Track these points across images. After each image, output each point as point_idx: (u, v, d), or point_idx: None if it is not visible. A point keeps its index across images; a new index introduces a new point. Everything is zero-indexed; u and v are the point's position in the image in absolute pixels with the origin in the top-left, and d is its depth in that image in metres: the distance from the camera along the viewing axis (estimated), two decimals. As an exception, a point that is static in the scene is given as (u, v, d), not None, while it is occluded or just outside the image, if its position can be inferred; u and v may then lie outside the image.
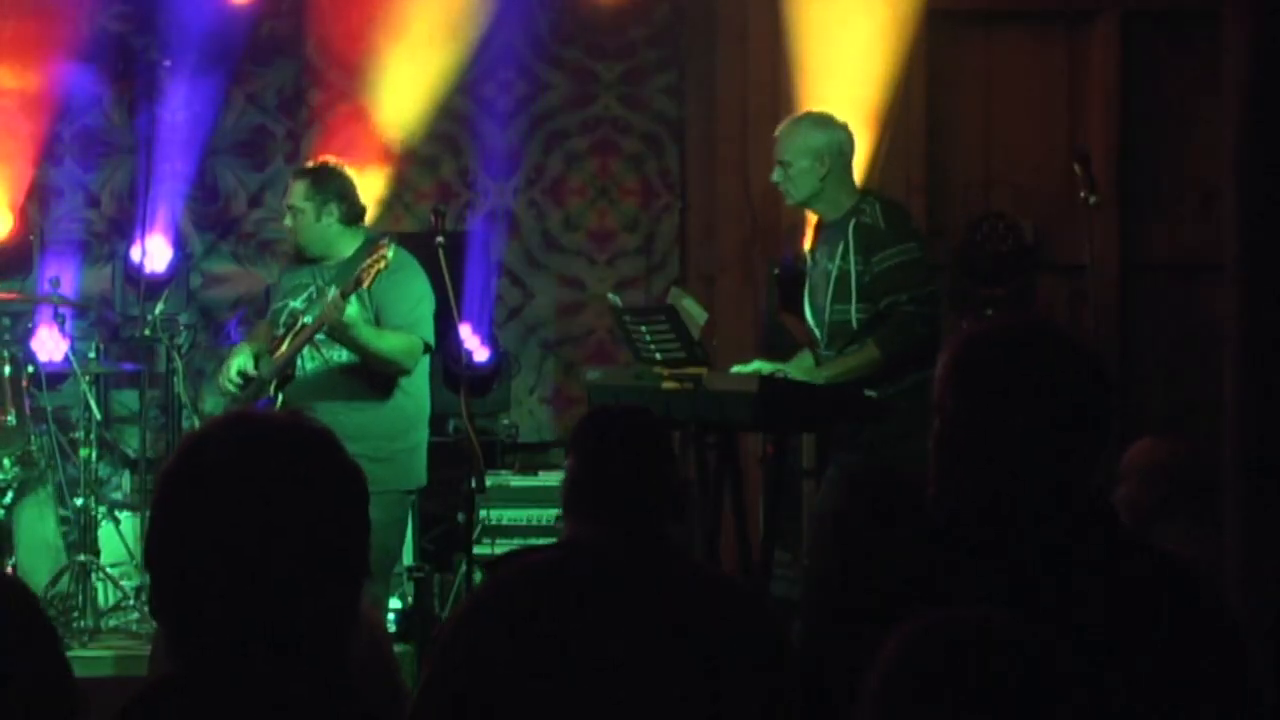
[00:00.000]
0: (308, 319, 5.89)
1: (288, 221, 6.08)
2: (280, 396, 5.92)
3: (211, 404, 7.99)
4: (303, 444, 1.87)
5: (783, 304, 7.32)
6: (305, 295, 6.02)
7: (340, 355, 5.86)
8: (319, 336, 5.82)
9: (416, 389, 6.00)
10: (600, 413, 3.41)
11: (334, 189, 6.03)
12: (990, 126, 7.59)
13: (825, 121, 5.64)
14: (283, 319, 6.06)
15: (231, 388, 6.02)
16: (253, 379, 6.01)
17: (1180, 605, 2.27)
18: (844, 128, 5.63)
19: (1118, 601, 2.24)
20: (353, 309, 5.65)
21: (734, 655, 2.99)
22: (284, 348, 5.93)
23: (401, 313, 5.85)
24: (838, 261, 5.44)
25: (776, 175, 5.59)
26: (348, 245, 6.03)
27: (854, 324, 5.40)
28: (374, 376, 5.89)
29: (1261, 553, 6.52)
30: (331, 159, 6.21)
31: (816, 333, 5.57)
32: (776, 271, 7.46)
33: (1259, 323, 7.13)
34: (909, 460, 5.07)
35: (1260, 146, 7.15)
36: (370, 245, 5.92)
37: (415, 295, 5.91)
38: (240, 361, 6.02)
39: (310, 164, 6.18)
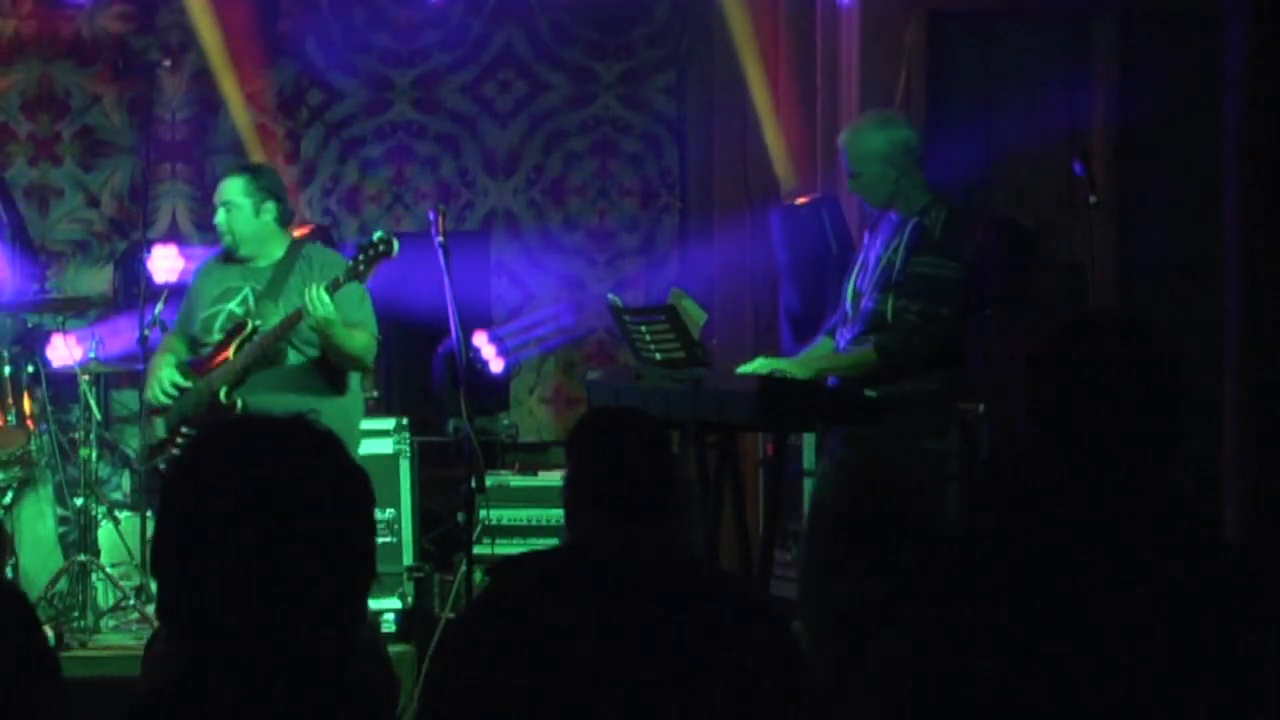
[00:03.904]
0: (262, 321, 5.91)
1: (220, 217, 6.06)
2: (239, 400, 5.92)
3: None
4: (306, 445, 1.87)
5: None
6: (240, 299, 6.03)
7: (292, 356, 5.91)
8: (258, 338, 5.88)
9: (358, 387, 6.14)
10: (598, 414, 3.42)
11: (270, 187, 6.11)
12: (990, 127, 7.59)
13: (887, 121, 5.61)
14: (218, 324, 6.04)
15: (165, 399, 6.03)
16: (186, 390, 6.01)
17: (1236, 597, 2.27)
18: (906, 124, 5.60)
19: (1171, 590, 2.23)
20: (333, 306, 5.72)
21: (738, 654, 2.99)
22: (234, 354, 5.91)
23: (349, 310, 5.90)
24: (889, 252, 5.43)
25: (851, 185, 5.56)
26: (278, 246, 6.09)
27: (889, 317, 5.39)
28: (327, 375, 5.97)
29: (1261, 551, 6.52)
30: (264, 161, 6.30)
31: (850, 311, 5.56)
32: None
33: (1259, 322, 7.14)
34: (898, 463, 5.09)
35: (1260, 146, 7.15)
36: (297, 245, 6.08)
37: (360, 292, 5.98)
38: (170, 373, 6.04)
39: (245, 162, 6.20)
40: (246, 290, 6.04)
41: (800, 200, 7.46)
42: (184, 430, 6.04)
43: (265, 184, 6.09)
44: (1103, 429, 2.31)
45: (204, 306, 6.13)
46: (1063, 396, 2.34)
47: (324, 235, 8.31)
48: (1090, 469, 2.30)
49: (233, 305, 6.04)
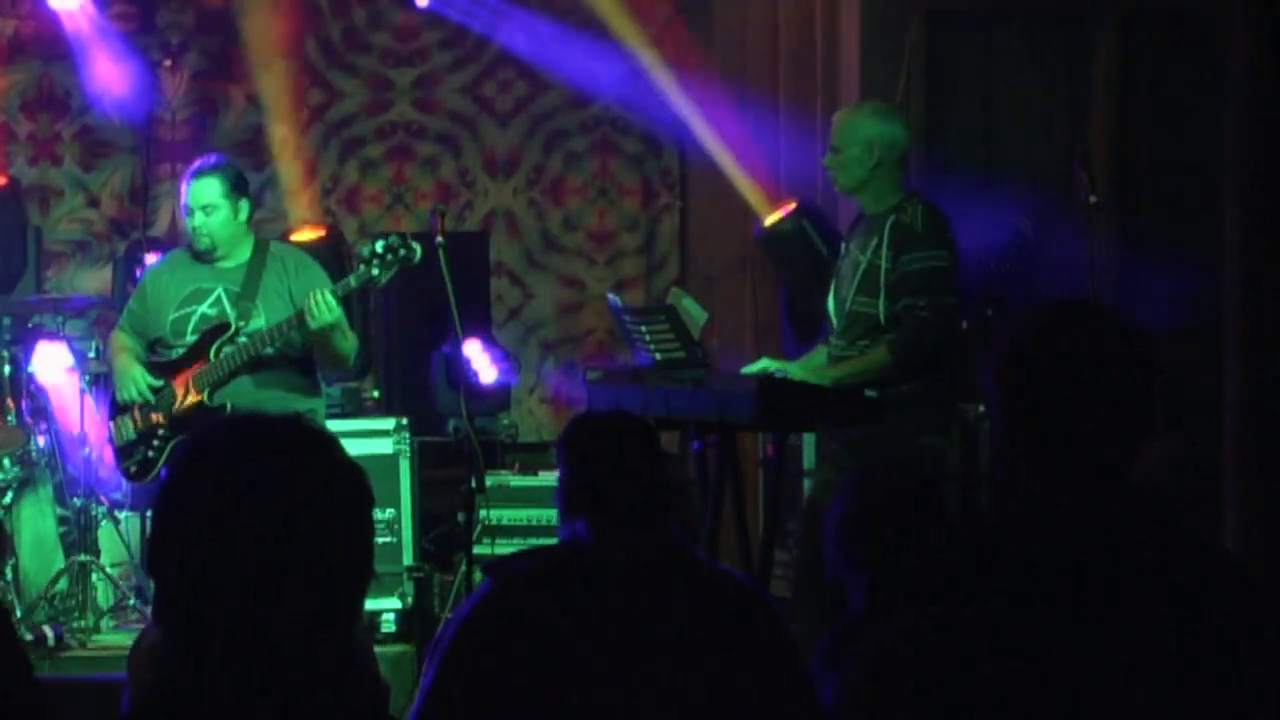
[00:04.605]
0: (245, 323, 5.84)
1: (198, 220, 5.86)
2: (227, 403, 5.84)
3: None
4: (303, 445, 1.87)
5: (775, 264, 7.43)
6: (212, 300, 5.92)
7: (271, 351, 5.86)
8: (243, 339, 5.82)
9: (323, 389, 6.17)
10: (590, 418, 3.43)
11: (243, 185, 5.98)
12: (990, 126, 7.58)
13: (885, 114, 5.64)
14: (191, 326, 5.91)
15: (142, 397, 5.92)
16: (159, 390, 5.92)
17: (1231, 597, 2.25)
18: (902, 123, 5.62)
19: (1168, 591, 2.22)
20: (340, 311, 5.67)
21: (737, 653, 2.99)
22: (215, 355, 5.83)
23: None
24: (868, 255, 5.43)
25: (827, 159, 5.59)
26: (246, 246, 5.97)
27: (881, 318, 5.39)
28: (304, 376, 5.95)
29: (1261, 552, 6.52)
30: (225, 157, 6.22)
31: (835, 321, 5.57)
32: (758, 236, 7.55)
33: (1259, 321, 7.13)
34: (897, 461, 5.10)
35: (1260, 146, 7.15)
36: (263, 243, 6.01)
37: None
38: (142, 373, 5.92)
39: (213, 161, 6.04)
40: (219, 291, 5.91)
41: (774, 218, 7.32)
42: (160, 433, 5.96)
43: (238, 182, 5.95)
44: (1078, 423, 2.28)
45: (171, 308, 5.95)
46: (1035, 389, 2.31)
47: (338, 237, 8.33)
48: (1075, 466, 2.28)
49: (205, 307, 5.91)
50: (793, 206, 7.27)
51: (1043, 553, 2.22)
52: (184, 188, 5.96)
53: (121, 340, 6.11)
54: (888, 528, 3.60)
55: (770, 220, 7.31)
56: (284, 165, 8.67)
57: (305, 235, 8.17)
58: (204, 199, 5.88)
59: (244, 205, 5.94)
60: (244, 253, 5.96)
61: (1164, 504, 2.31)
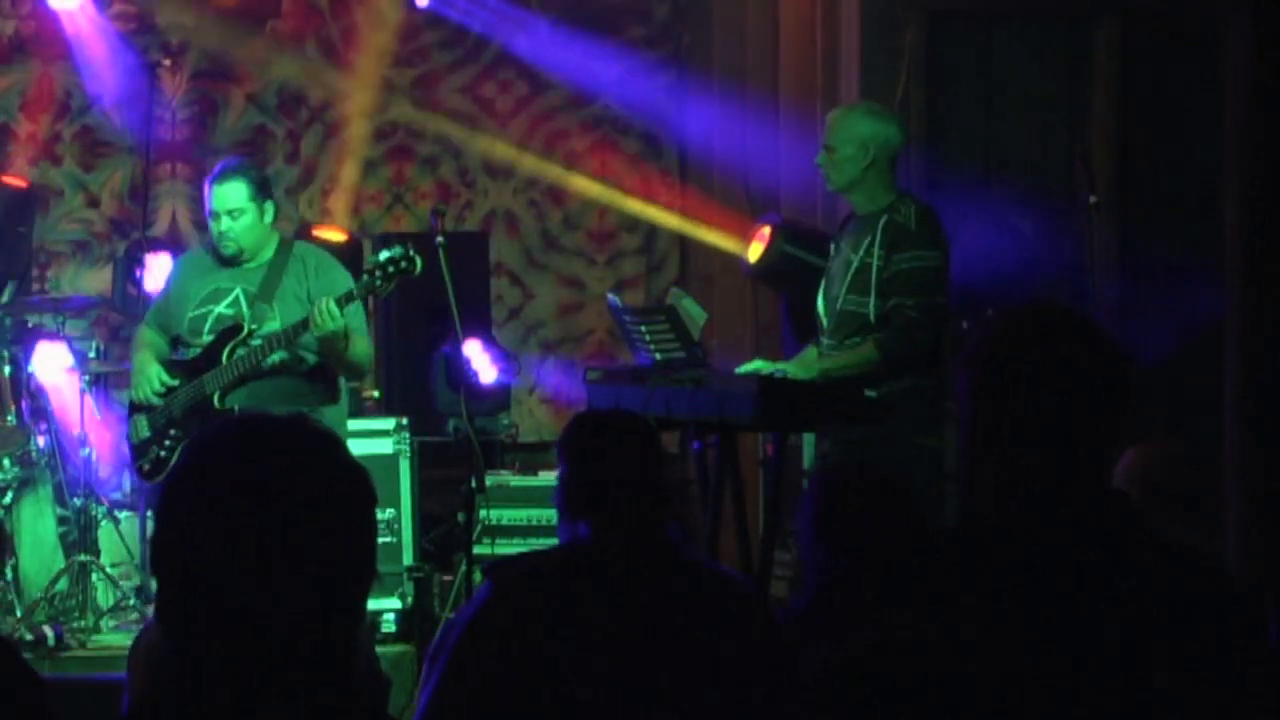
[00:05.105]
0: (258, 325, 5.81)
1: (225, 225, 5.82)
2: (235, 407, 5.81)
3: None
4: (304, 445, 1.87)
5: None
6: (230, 300, 5.91)
7: (280, 356, 5.83)
8: (256, 341, 5.79)
9: (345, 392, 6.13)
10: (590, 417, 3.43)
11: (267, 186, 5.98)
12: (990, 126, 7.58)
13: (879, 114, 5.65)
14: (208, 326, 5.90)
15: (157, 400, 5.91)
16: (174, 389, 5.91)
17: (1207, 605, 2.25)
18: (896, 123, 5.63)
19: (1141, 600, 2.21)
20: (343, 320, 5.64)
21: (733, 653, 2.99)
22: (227, 358, 5.80)
23: (349, 317, 5.76)
24: (860, 254, 5.44)
25: (820, 158, 5.60)
26: (270, 247, 5.96)
27: (871, 317, 5.40)
28: (322, 381, 5.93)
29: (1261, 552, 6.52)
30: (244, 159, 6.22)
31: (824, 321, 5.57)
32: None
33: (1259, 322, 7.14)
34: (894, 462, 5.09)
35: (1260, 147, 7.15)
36: (286, 244, 5.99)
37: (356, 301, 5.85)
38: (159, 371, 5.90)
39: (236, 164, 5.98)
40: (237, 291, 5.90)
41: (756, 253, 6.95)
42: (172, 433, 5.95)
43: (263, 184, 5.94)
44: (1048, 430, 2.27)
45: (190, 306, 5.95)
46: (1007, 396, 2.29)
47: (357, 243, 8.34)
48: (1048, 471, 2.27)
49: (222, 307, 5.90)
50: (768, 233, 6.87)
51: (1041, 554, 2.22)
52: (208, 192, 5.90)
53: (145, 336, 6.12)
54: (852, 513, 3.60)
55: (754, 257, 6.93)
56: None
57: (328, 234, 8.18)
58: (230, 203, 5.84)
59: (269, 207, 5.92)
60: (267, 253, 5.95)
61: (1130, 510, 2.30)
